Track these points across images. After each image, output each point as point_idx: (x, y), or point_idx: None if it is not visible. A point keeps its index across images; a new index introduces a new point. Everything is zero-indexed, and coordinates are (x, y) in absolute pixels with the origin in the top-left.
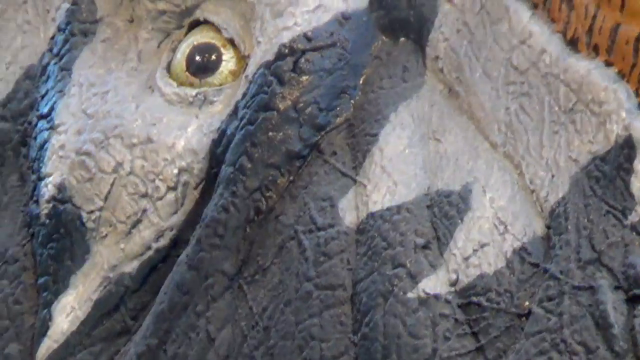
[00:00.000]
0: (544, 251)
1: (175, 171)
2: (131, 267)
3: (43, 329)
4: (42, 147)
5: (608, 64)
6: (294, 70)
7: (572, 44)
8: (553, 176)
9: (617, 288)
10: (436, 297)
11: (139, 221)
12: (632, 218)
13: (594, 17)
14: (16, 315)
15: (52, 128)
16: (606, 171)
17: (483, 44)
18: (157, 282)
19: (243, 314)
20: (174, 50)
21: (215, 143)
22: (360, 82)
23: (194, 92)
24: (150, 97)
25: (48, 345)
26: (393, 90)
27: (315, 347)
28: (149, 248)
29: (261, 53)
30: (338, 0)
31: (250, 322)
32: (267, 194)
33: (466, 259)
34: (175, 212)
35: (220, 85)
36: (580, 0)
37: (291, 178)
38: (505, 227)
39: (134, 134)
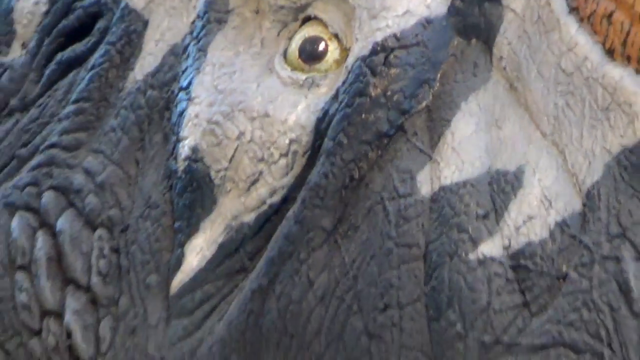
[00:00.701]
0: (580, 225)
1: (287, 141)
2: (249, 217)
3: (177, 265)
4: (180, 114)
5: (638, 72)
6: (384, 64)
7: (610, 53)
8: (590, 163)
9: (638, 259)
10: (492, 259)
11: (256, 180)
12: None
13: (628, 32)
14: (156, 251)
15: (189, 99)
16: (633, 160)
17: (538, 49)
18: (269, 231)
19: (337, 263)
20: (289, 39)
21: (320, 120)
22: (438, 75)
23: (304, 76)
24: (269, 78)
25: (180, 278)
26: (464, 83)
27: (394, 294)
28: (263, 203)
29: (358, 48)
30: (422, 7)
31: (343, 270)
32: (360, 165)
33: (517, 228)
34: (286, 175)
35: (326, 72)
36: (617, 17)
37: (379, 153)
38: (550, 203)
39: (255, 109)
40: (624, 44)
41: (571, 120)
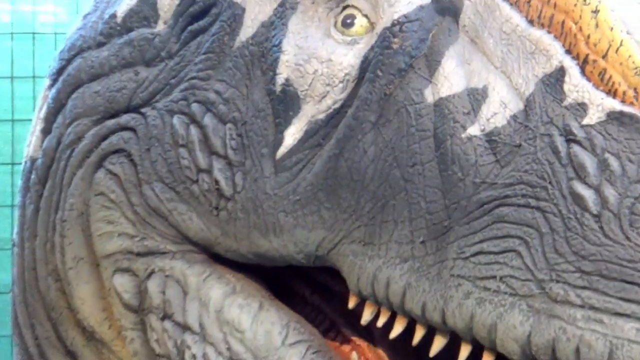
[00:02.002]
0: (525, 117)
1: (343, 74)
2: (322, 116)
3: (279, 143)
4: (275, 60)
5: (549, 32)
6: (400, 31)
7: (530, 22)
8: (526, 82)
9: (561, 135)
10: (475, 136)
11: (325, 96)
12: (565, 103)
13: (541, 10)
14: (265, 135)
15: (280, 52)
16: (551, 80)
17: (487, 20)
18: (334, 124)
19: (380, 140)
20: (335, 17)
21: (362, 62)
22: (430, 36)
23: (348, 38)
24: (328, 40)
25: (282, 150)
26: (445, 40)
27: (418, 157)
28: (329, 108)
29: (383, 22)
30: None
31: (384, 144)
32: (389, 86)
33: (487, 120)
34: (343, 92)
35: (358, 35)
36: (534, 2)
37: (400, 80)
38: (505, 105)
39: (323, 57)
40: (539, 17)
41: (512, 59)
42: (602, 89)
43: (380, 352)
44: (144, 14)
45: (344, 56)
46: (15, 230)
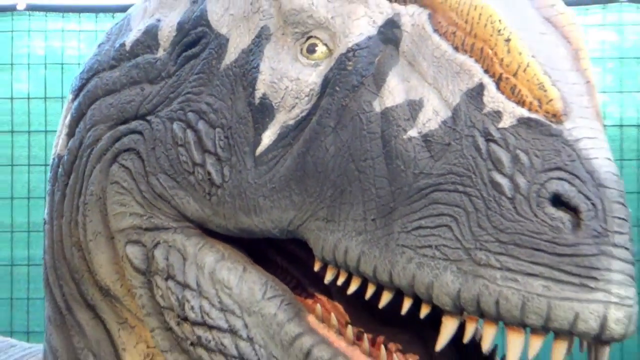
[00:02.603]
0: (453, 121)
1: (308, 90)
2: (291, 122)
3: (258, 143)
4: (254, 79)
5: (470, 57)
6: (353, 56)
7: (456, 49)
8: (453, 95)
9: (482, 135)
10: (414, 137)
11: (294, 106)
12: (484, 111)
13: (464, 40)
14: (246, 137)
15: (258, 72)
16: (473, 94)
17: (421, 47)
18: (302, 128)
19: (338, 141)
20: (301, 45)
21: (323, 81)
22: (377, 60)
23: (312, 62)
24: (296, 63)
25: (260, 148)
26: (388, 63)
27: (369, 153)
28: (298, 115)
29: (339, 50)
30: (367, 30)
31: (342, 144)
32: (345, 100)
33: (424, 124)
34: (308, 103)
35: (319, 59)
36: (458, 34)
37: (353, 94)
38: (437, 113)
39: (292, 76)
40: (463, 45)
41: (442, 77)
42: (513, 100)
43: (337, 304)
44: (147, 43)
45: (309, 76)
46: (46, 211)
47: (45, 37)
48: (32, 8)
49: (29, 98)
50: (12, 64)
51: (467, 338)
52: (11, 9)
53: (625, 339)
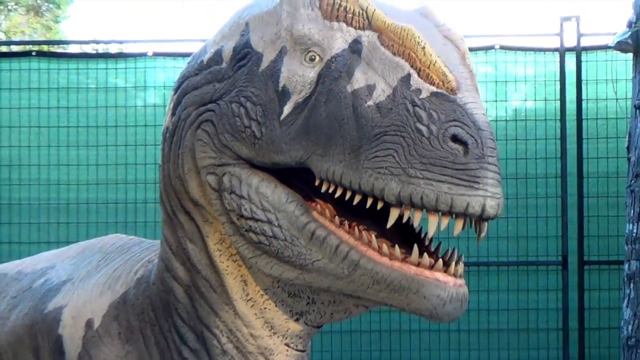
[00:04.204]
0: (393, 96)
1: (309, 81)
2: (301, 100)
3: (281, 113)
4: (278, 76)
5: (402, 58)
6: (335, 62)
7: (394, 54)
8: (393, 81)
9: (410, 103)
10: (372, 106)
11: (301, 91)
12: (411, 89)
13: (398, 48)
14: (274, 111)
15: (280, 72)
16: (405, 79)
17: (374, 55)
18: (307, 102)
19: (328, 111)
20: (304, 55)
21: (318, 75)
22: (348, 62)
23: (312, 64)
24: (302, 66)
25: (282, 117)
26: (355, 64)
27: (345, 115)
28: (302, 97)
29: (327, 58)
30: (342, 45)
31: (325, 109)
32: (333, 84)
33: (376, 98)
34: (310, 89)
35: (316, 63)
36: (396, 45)
37: (336, 82)
38: (384, 91)
39: (299, 74)
40: (397, 51)
41: (386, 70)
42: (427, 82)
43: (329, 205)
44: (216, 59)
45: (309, 73)
46: (160, 159)
47: (165, 71)
48: (156, 54)
49: (154, 106)
50: (145, 87)
51: (405, 219)
52: (143, 55)
53: (496, 217)
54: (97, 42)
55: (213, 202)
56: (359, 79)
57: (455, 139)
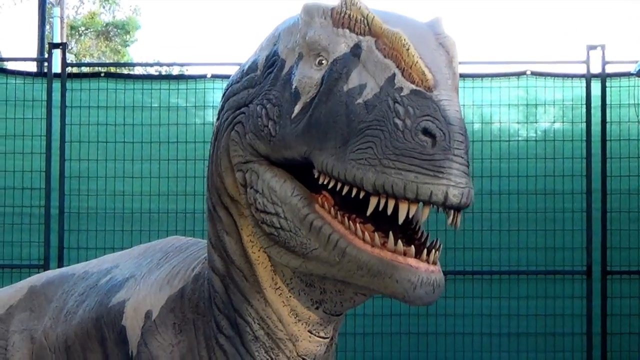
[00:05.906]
0: (379, 93)
1: (316, 82)
2: (308, 99)
3: (292, 112)
4: (292, 79)
5: (391, 60)
6: (336, 64)
7: (385, 56)
8: (381, 80)
9: (392, 100)
10: (361, 103)
11: (309, 91)
12: (395, 87)
13: (388, 51)
14: (288, 112)
15: (294, 76)
16: (390, 79)
17: (369, 58)
18: (313, 101)
19: (327, 108)
20: (314, 60)
21: (323, 77)
22: (349, 63)
23: (319, 68)
24: (311, 69)
25: (293, 115)
26: (352, 66)
27: (342, 110)
28: (311, 97)
29: (330, 60)
30: (344, 49)
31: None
32: (333, 84)
33: (365, 96)
34: (316, 89)
35: (323, 67)
36: (387, 48)
37: (337, 82)
38: (372, 89)
39: (308, 76)
40: (387, 54)
41: (377, 71)
42: (409, 81)
43: (329, 197)
44: (252, 68)
45: (316, 75)
46: (209, 159)
47: (222, 92)
48: (215, 76)
49: (212, 124)
50: (204, 106)
51: (381, 207)
52: (203, 77)
53: (460, 207)
54: (161, 65)
55: (242, 197)
56: (354, 79)
57: (425, 132)
